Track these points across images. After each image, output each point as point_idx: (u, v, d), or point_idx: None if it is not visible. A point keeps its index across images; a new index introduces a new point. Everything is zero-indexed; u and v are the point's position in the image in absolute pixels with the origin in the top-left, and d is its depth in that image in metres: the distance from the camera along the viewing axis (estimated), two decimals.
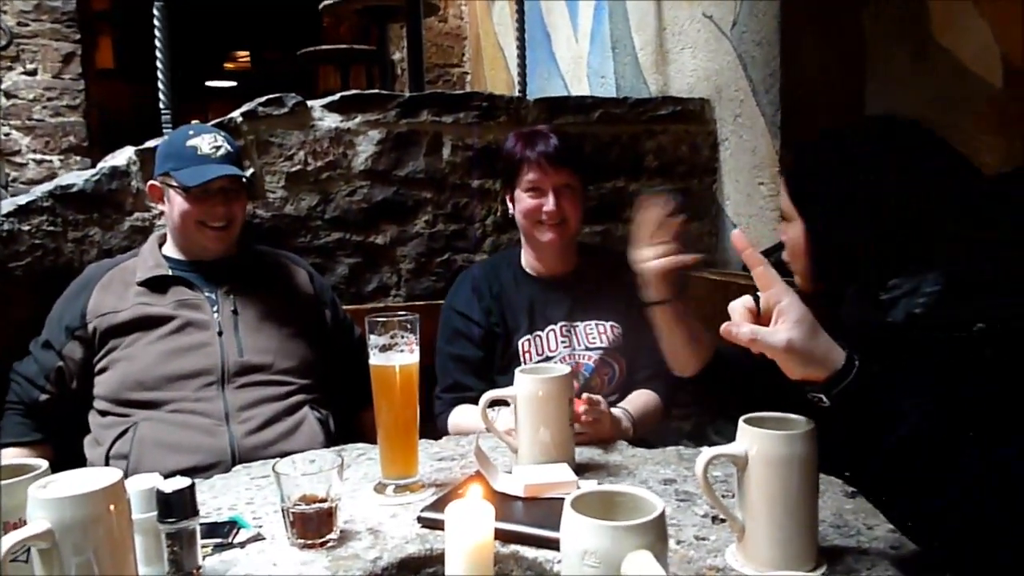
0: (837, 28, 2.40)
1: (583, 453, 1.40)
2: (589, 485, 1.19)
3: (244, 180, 1.74)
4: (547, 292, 1.79)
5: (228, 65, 9.40)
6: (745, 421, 1.00)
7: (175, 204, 1.73)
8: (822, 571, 0.96)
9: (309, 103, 2.23)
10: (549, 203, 1.72)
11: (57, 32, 4.05)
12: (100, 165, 2.00)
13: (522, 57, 2.72)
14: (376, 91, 2.30)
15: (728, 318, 0.99)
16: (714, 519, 1.12)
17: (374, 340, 1.23)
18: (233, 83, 8.68)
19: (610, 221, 2.57)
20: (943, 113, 2.23)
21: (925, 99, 2.23)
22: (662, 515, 0.73)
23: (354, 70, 5.06)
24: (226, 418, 1.63)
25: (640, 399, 1.71)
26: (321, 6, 3.80)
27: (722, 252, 2.68)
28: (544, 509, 1.12)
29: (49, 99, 4.02)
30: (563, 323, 1.77)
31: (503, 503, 1.14)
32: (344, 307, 2.21)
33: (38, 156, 4.01)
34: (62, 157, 4.03)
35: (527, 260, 1.85)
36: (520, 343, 1.75)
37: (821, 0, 2.39)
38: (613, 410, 1.55)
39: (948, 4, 2.21)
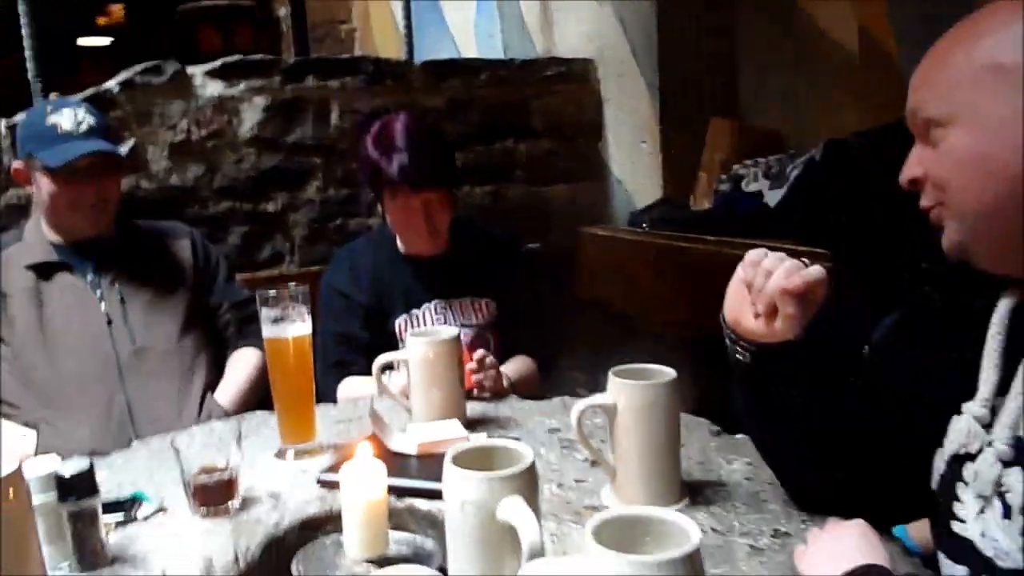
0: None
1: (474, 408, 1.48)
2: (479, 439, 1.28)
3: (115, 155, 1.69)
4: (422, 272, 1.82)
5: (101, 20, 8.84)
6: (614, 373, 1.10)
7: (43, 187, 1.67)
8: (684, 503, 1.08)
9: (190, 70, 2.19)
10: (419, 221, 1.71)
11: None
12: None
13: (408, 19, 2.72)
14: (259, 57, 2.27)
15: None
16: (592, 463, 1.23)
17: (266, 313, 1.27)
18: (107, 40, 8.17)
19: (502, 181, 2.64)
20: (805, 75, 2.40)
21: (789, 61, 2.39)
22: (532, 465, 0.81)
23: (237, 29, 4.90)
24: (129, 415, 1.63)
25: (517, 363, 1.80)
26: None
27: (610, 209, 2.79)
28: (437, 464, 1.18)
29: None
30: (438, 301, 1.81)
31: (398, 461, 1.21)
32: (239, 276, 2.22)
33: None
34: None
35: (403, 244, 1.85)
36: (397, 323, 1.79)
37: None
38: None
39: None
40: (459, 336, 1.39)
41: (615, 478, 1.10)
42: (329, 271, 1.89)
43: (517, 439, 1.29)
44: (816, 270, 0.91)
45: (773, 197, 2.17)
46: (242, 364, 1.86)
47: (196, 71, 2.20)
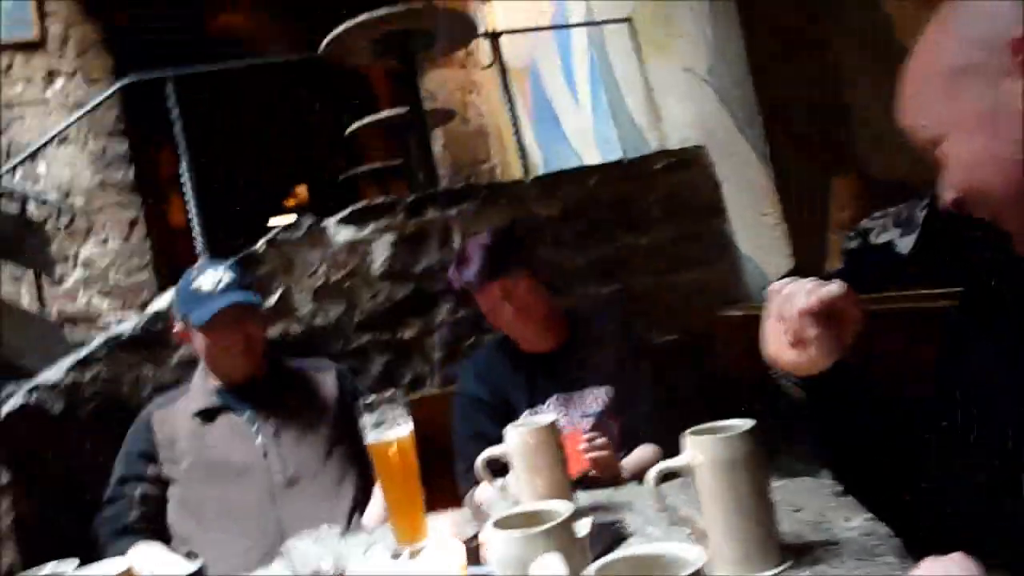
0: (803, 48, 2.49)
1: (586, 497, 1.45)
2: (583, 526, 1.25)
3: (251, 304, 1.90)
4: (544, 368, 1.89)
5: (289, 202, 10.06)
6: (691, 433, 1.06)
7: (197, 341, 1.90)
8: (785, 567, 0.99)
9: (324, 222, 2.44)
10: (503, 316, 1.85)
11: (121, 202, 4.51)
12: (146, 312, 2.23)
13: (519, 138, 2.90)
14: (383, 199, 2.49)
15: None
16: (696, 538, 1.16)
17: (366, 419, 1.35)
18: (293, 216, 9.24)
19: (625, 277, 2.66)
20: None
21: None
22: (565, 522, 0.80)
23: (393, 183, 5.38)
24: (280, 541, 1.74)
25: (640, 452, 1.76)
26: (347, 132, 4.13)
27: (742, 288, 2.71)
28: None
29: (120, 263, 4.44)
30: (559, 394, 1.86)
31: None
32: None
33: (117, 315, 4.40)
34: (140, 310, 4.41)
35: (519, 341, 1.94)
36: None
37: (784, 28, 2.50)
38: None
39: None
40: (555, 423, 1.39)
41: (707, 545, 1.03)
42: (459, 380, 1.99)
43: (618, 521, 1.26)
44: (832, 286, 0.86)
45: (905, 244, 2.03)
46: None
47: (329, 221, 2.45)
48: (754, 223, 2.61)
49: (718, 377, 2.60)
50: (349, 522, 1.83)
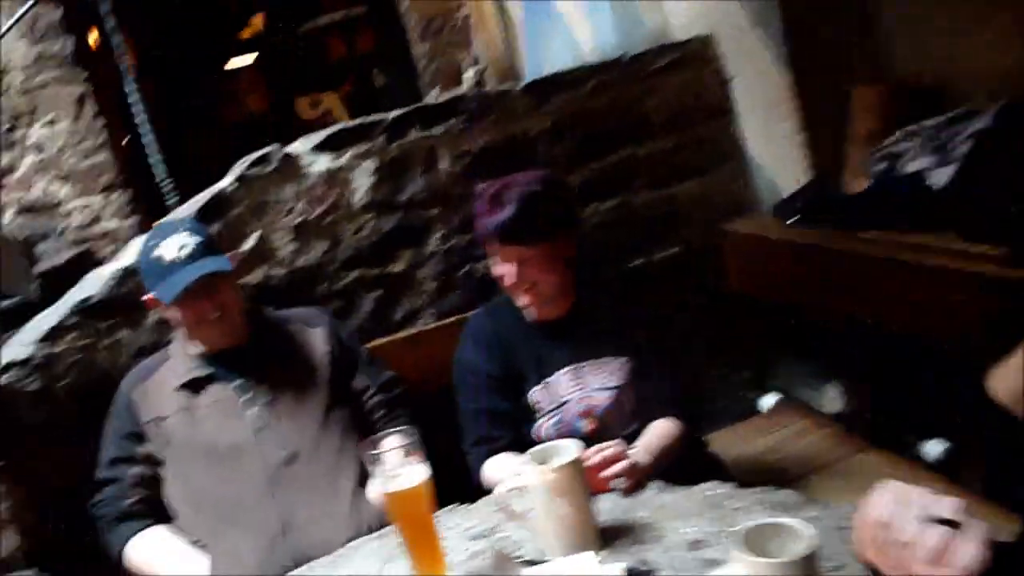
0: None
1: (608, 514, 1.39)
2: (615, 570, 1.20)
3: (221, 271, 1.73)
4: (551, 337, 1.76)
5: (244, 34, 9.30)
6: (745, 536, 0.97)
7: (169, 313, 1.76)
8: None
9: (294, 151, 2.20)
10: (512, 275, 1.66)
11: (63, 77, 4.09)
12: (113, 270, 2.04)
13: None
14: (359, 122, 2.24)
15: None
16: None
17: (377, 469, 1.25)
18: (251, 56, 8.57)
19: (625, 192, 2.48)
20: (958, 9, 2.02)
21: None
22: None
23: (361, 35, 4.93)
24: (285, 526, 1.69)
25: (655, 428, 1.69)
26: None
27: (751, 196, 2.54)
28: None
29: (74, 145, 4.10)
30: (571, 366, 1.74)
31: None
32: (377, 341, 2.25)
33: (80, 202, 4.14)
34: (103, 196, 4.15)
35: (525, 309, 1.79)
36: (532, 394, 1.74)
37: None
38: (630, 453, 1.52)
39: None
40: (580, 458, 1.30)
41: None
42: (458, 350, 1.86)
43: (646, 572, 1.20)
44: (970, 558, 0.72)
45: (938, 177, 1.86)
46: None
47: (300, 150, 2.20)
48: (766, 129, 2.40)
49: (722, 295, 2.51)
50: (352, 500, 1.77)
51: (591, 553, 1.26)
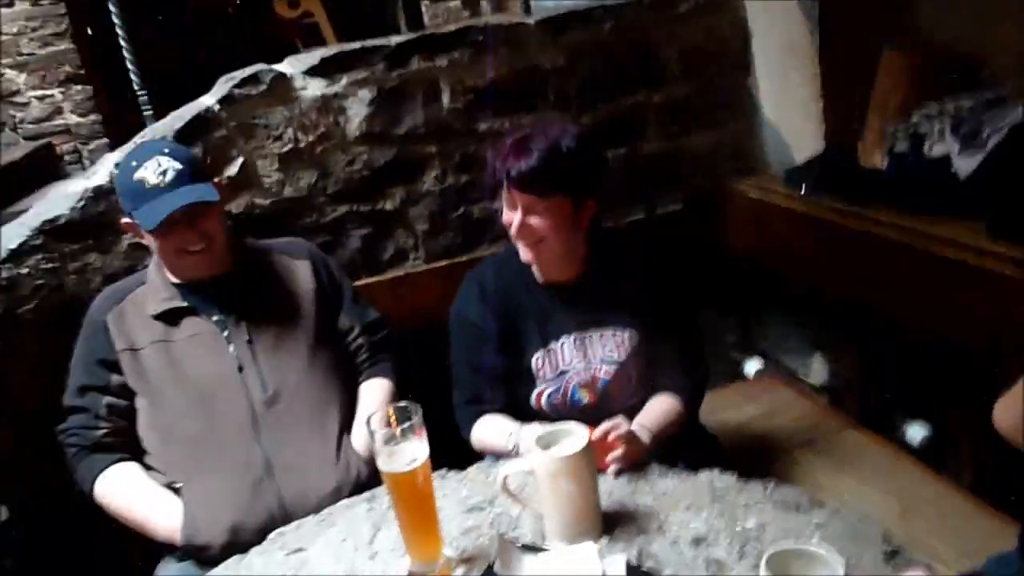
0: None
1: (610, 498, 1.35)
2: (617, 563, 1.17)
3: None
4: (558, 302, 1.67)
5: None
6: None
7: (148, 240, 1.64)
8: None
9: (287, 71, 2.04)
10: (518, 222, 1.56)
11: None
12: (82, 188, 1.89)
13: None
14: (359, 45, 2.07)
15: None
16: None
17: (379, 446, 1.18)
18: None
19: (633, 140, 2.37)
20: None
21: None
22: None
23: None
24: (267, 470, 1.62)
25: (657, 404, 1.64)
26: None
27: (761, 155, 2.46)
28: None
29: (33, 30, 3.80)
30: (576, 334, 1.66)
31: None
32: (364, 280, 2.16)
33: (38, 92, 3.86)
34: (62, 90, 3.87)
35: (535, 269, 1.69)
36: (534, 359, 1.67)
37: None
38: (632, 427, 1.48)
39: None
40: (589, 444, 1.24)
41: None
42: (458, 299, 1.76)
43: (647, 573, 1.16)
44: None
45: (964, 166, 1.79)
46: (373, 401, 1.81)
47: (294, 72, 2.04)
48: (784, 86, 2.29)
49: (723, 255, 2.45)
50: (339, 447, 1.71)
51: (591, 543, 1.23)
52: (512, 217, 1.58)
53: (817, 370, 2.44)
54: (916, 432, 2.13)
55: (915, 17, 2.10)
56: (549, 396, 1.67)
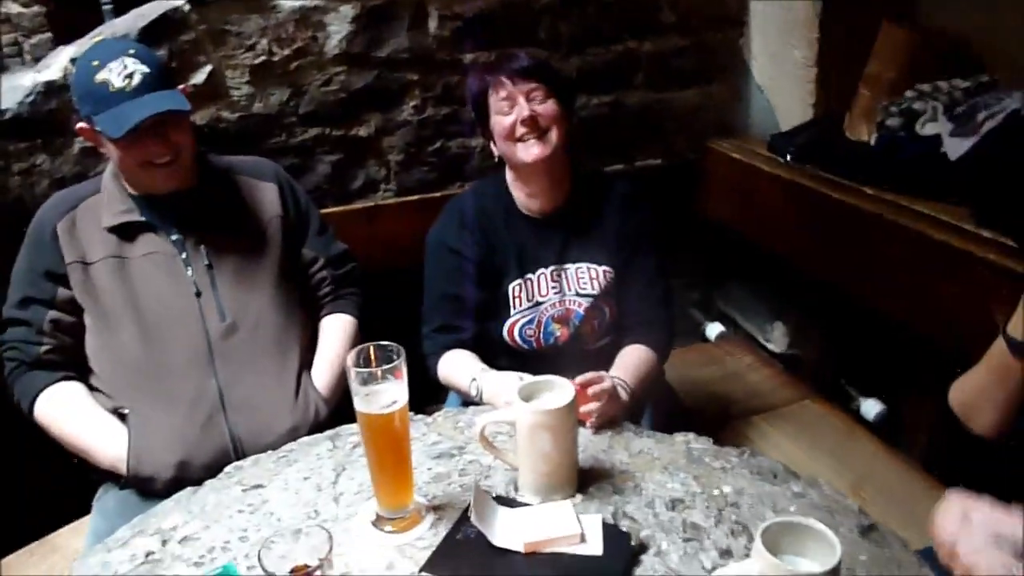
0: None
1: (586, 453, 1.33)
2: (594, 522, 1.14)
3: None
4: (538, 232, 1.66)
5: None
6: (762, 534, 0.91)
7: (110, 149, 1.50)
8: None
9: None
10: (523, 110, 1.55)
11: None
12: (32, 82, 1.73)
13: None
14: None
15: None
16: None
17: (355, 386, 1.12)
18: None
19: (620, 89, 2.30)
20: None
21: None
22: None
23: None
24: (221, 404, 1.54)
25: (633, 358, 1.61)
26: None
27: (746, 118, 2.42)
28: (546, 563, 1.08)
29: None
30: (553, 266, 1.65)
31: (502, 559, 1.10)
32: (331, 208, 2.06)
33: None
34: None
35: (518, 196, 1.68)
36: (510, 288, 1.65)
37: None
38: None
39: None
40: (574, 400, 1.20)
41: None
42: (437, 225, 1.72)
43: (625, 533, 1.14)
44: None
45: (954, 148, 1.78)
46: (335, 338, 1.74)
47: None
48: (778, 50, 2.24)
49: (698, 215, 2.42)
50: (298, 385, 1.64)
51: (568, 501, 1.20)
52: (513, 115, 1.56)
53: (778, 338, 2.46)
54: (871, 407, 2.17)
55: None
56: (522, 328, 1.65)
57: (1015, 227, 1.56)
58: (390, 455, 1.17)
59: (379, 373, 1.12)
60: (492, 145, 1.64)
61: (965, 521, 0.78)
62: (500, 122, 1.58)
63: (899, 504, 1.70)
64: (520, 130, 1.55)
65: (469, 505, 1.17)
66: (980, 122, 1.75)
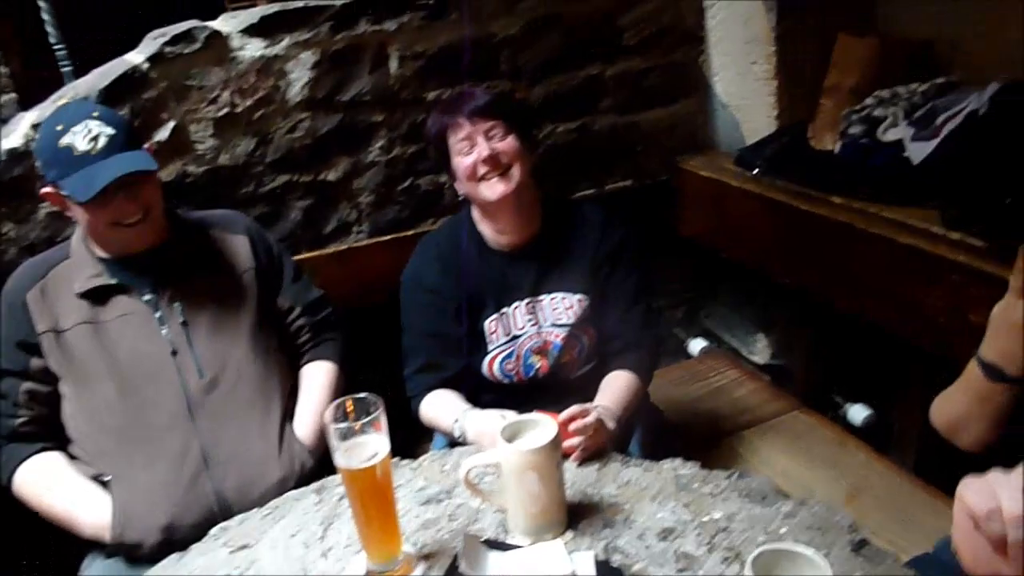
0: None
1: (575, 488, 1.32)
2: (586, 560, 1.13)
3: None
4: (511, 266, 1.66)
5: None
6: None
7: (77, 213, 1.49)
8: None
9: (223, 30, 1.89)
10: (483, 149, 1.55)
11: None
12: None
13: None
14: (301, 4, 1.94)
15: None
16: None
17: (335, 442, 1.10)
18: None
19: (587, 115, 2.31)
20: None
21: None
22: None
23: None
24: (204, 462, 1.52)
25: (617, 385, 1.61)
26: None
27: (712, 133, 2.43)
28: None
29: None
30: (528, 299, 1.65)
31: None
32: (304, 255, 2.06)
33: None
34: None
35: (487, 233, 1.68)
36: (487, 323, 1.65)
37: None
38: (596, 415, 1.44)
39: None
40: (558, 437, 1.19)
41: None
42: (411, 265, 1.72)
43: (617, 569, 1.13)
44: None
45: (917, 152, 1.80)
46: (317, 386, 1.72)
47: (231, 30, 1.90)
48: (739, 65, 2.26)
49: (672, 233, 2.43)
50: (282, 437, 1.62)
51: (559, 541, 1.19)
52: (474, 155, 1.56)
53: (761, 350, 2.46)
54: (857, 413, 2.17)
55: (874, 4, 2.10)
56: (502, 362, 1.65)
57: (982, 227, 1.57)
58: (375, 508, 1.16)
59: (358, 427, 1.12)
60: (457, 184, 1.64)
61: (995, 480, 0.76)
62: (461, 163, 1.58)
63: (894, 512, 1.70)
64: (482, 169, 1.55)
65: (457, 554, 1.15)
66: (940, 125, 1.76)
